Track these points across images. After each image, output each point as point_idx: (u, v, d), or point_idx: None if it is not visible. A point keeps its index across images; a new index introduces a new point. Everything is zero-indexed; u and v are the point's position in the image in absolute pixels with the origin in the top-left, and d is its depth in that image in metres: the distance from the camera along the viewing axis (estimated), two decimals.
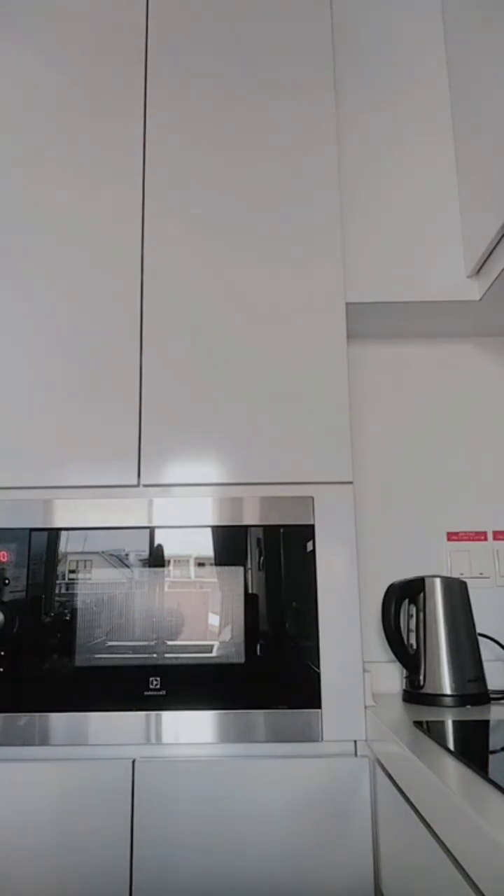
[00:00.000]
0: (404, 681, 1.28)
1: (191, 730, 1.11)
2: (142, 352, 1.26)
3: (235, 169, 1.35)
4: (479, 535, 1.48)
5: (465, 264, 1.38)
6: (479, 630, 1.40)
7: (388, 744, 1.00)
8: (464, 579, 1.31)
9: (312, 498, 1.20)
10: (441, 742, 0.92)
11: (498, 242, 1.25)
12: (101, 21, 1.41)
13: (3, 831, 1.07)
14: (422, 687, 1.23)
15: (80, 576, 1.17)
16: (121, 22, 1.41)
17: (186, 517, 1.19)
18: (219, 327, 1.27)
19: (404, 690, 1.28)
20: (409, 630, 1.30)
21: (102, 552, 1.18)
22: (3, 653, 1.14)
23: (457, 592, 1.28)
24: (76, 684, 1.13)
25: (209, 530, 1.19)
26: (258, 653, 1.14)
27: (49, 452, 1.22)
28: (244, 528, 1.19)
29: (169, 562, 1.18)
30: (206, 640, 1.15)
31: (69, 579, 1.17)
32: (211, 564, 1.18)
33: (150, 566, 1.18)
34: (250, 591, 1.17)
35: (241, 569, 1.17)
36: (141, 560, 1.18)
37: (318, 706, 1.12)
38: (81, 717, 1.12)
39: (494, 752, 0.90)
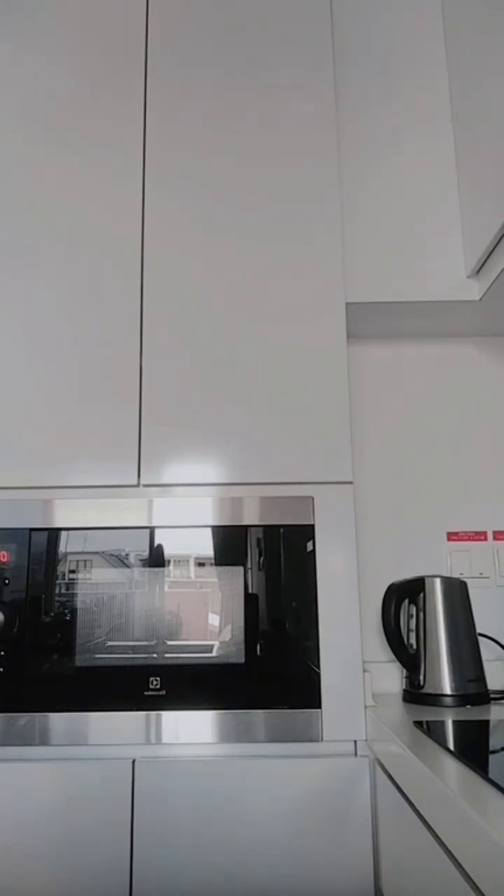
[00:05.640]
0: (404, 681, 1.28)
1: (191, 730, 1.11)
2: (142, 352, 1.26)
3: (235, 169, 1.35)
4: (479, 535, 1.48)
5: (465, 264, 1.38)
6: (479, 630, 1.40)
7: (388, 744, 1.00)
8: (464, 579, 1.31)
9: (312, 498, 1.20)
10: (441, 742, 0.92)
11: (498, 242, 1.25)
12: (101, 21, 1.41)
13: (3, 831, 1.07)
14: (422, 687, 1.23)
15: (80, 576, 1.17)
16: (121, 22, 1.41)
17: (186, 517, 1.19)
18: (219, 327, 1.28)
19: (404, 690, 1.28)
20: (409, 630, 1.30)
21: (102, 552, 1.18)
22: (3, 653, 1.14)
23: (457, 592, 1.28)
24: (76, 684, 1.13)
25: (209, 530, 1.19)
26: (258, 653, 1.14)
27: (49, 452, 1.22)
28: (244, 528, 1.19)
29: (169, 562, 1.18)
30: (206, 640, 1.15)
31: (69, 579, 1.17)
32: (211, 564, 1.18)
33: (150, 566, 1.18)
34: (250, 591, 1.17)
35: (241, 569, 1.17)
36: (141, 560, 1.18)
37: (318, 706, 1.12)
38: (81, 717, 1.12)
39: (494, 752, 0.90)
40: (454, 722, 1.06)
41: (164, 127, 1.36)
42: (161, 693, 1.12)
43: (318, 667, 1.14)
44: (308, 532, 1.19)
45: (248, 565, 1.18)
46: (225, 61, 1.39)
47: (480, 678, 1.23)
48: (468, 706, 1.19)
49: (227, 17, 1.41)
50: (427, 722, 1.05)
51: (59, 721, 1.11)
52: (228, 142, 1.36)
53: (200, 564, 1.18)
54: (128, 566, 1.17)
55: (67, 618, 1.15)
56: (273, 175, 1.35)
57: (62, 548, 1.18)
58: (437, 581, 1.28)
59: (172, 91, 1.38)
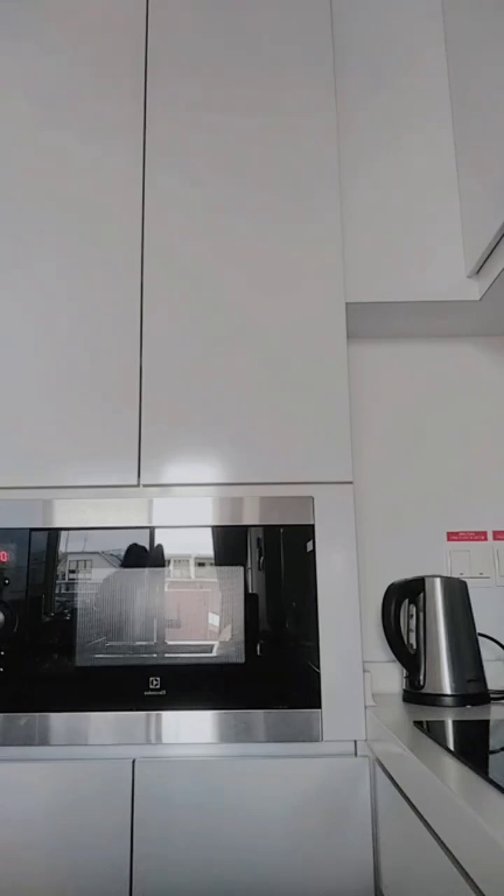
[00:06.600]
0: (404, 681, 1.28)
1: (191, 730, 1.11)
2: (142, 352, 1.26)
3: (235, 169, 1.34)
4: (479, 535, 1.48)
5: (465, 264, 1.38)
6: (479, 630, 1.40)
7: (388, 744, 1.00)
8: (464, 579, 1.31)
9: (312, 498, 1.20)
10: (441, 742, 0.92)
11: (498, 242, 1.25)
12: (102, 4, 1.41)
13: (3, 831, 1.07)
14: (422, 687, 1.23)
15: (80, 576, 1.17)
16: (122, 5, 1.41)
17: (186, 517, 1.19)
18: (218, 328, 1.27)
19: (404, 690, 1.28)
20: (409, 630, 1.30)
21: (102, 552, 1.18)
22: (2, 653, 1.14)
23: (457, 592, 1.28)
24: (76, 684, 1.13)
25: (209, 530, 1.19)
26: (258, 653, 1.14)
27: (49, 452, 1.22)
28: (244, 528, 1.19)
29: (169, 562, 1.18)
30: (206, 640, 1.15)
31: (69, 579, 1.17)
32: (211, 564, 1.18)
33: (150, 566, 1.17)
34: (250, 591, 1.17)
35: (241, 569, 1.17)
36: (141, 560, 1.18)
37: (318, 706, 1.12)
38: (81, 717, 1.12)
39: (494, 752, 0.90)
40: (454, 722, 1.06)
41: (163, 115, 1.36)
42: (161, 693, 1.12)
43: (318, 667, 1.14)
44: (308, 532, 1.19)
45: (248, 565, 1.18)
46: (225, 48, 1.39)
47: (480, 678, 1.23)
48: (468, 706, 1.19)
49: (228, 3, 1.41)
50: (427, 722, 1.05)
51: (59, 721, 1.11)
52: (227, 143, 1.36)
53: (200, 564, 1.18)
54: (128, 566, 1.17)
55: (67, 618, 1.15)
56: (273, 177, 1.34)
57: (62, 548, 1.18)
58: (437, 581, 1.28)
59: (172, 76, 1.37)
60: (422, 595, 1.29)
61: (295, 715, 1.12)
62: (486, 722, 1.06)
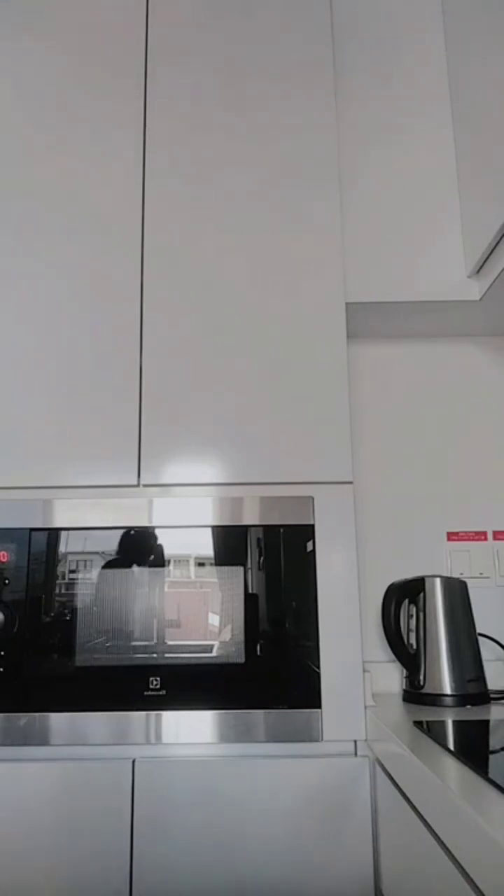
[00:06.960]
0: (404, 681, 1.28)
1: (191, 729, 1.11)
2: (142, 352, 1.26)
3: (233, 170, 1.34)
4: (479, 535, 1.48)
5: (465, 264, 1.38)
6: (479, 630, 1.40)
7: (388, 744, 1.00)
8: (464, 579, 1.31)
9: (312, 498, 1.20)
10: (441, 742, 0.92)
11: (498, 242, 1.25)
12: (102, 1, 1.41)
13: (3, 831, 1.07)
14: (422, 687, 1.23)
15: (80, 576, 1.17)
16: (122, 1, 1.41)
17: (186, 517, 1.19)
18: (219, 328, 1.27)
19: (404, 690, 1.28)
20: (409, 630, 1.30)
21: (102, 552, 1.18)
22: (3, 653, 1.14)
23: (457, 592, 1.28)
24: (76, 684, 1.13)
25: (209, 530, 1.19)
26: (258, 653, 1.14)
27: (49, 452, 1.22)
28: (244, 528, 1.19)
29: (169, 562, 1.18)
30: (206, 640, 1.15)
31: (69, 579, 1.17)
32: (211, 564, 1.18)
33: (150, 566, 1.17)
34: (250, 591, 1.17)
35: (241, 569, 1.17)
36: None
37: (318, 706, 1.12)
38: (81, 716, 1.12)
39: (494, 752, 0.90)
40: (454, 722, 1.06)
41: (162, 121, 1.36)
42: (161, 693, 1.12)
43: (318, 667, 1.14)
44: (308, 532, 1.19)
45: (248, 565, 1.18)
46: (224, 57, 1.39)
47: (480, 678, 1.23)
48: (468, 706, 1.19)
49: (226, 2, 1.41)
50: (427, 722, 1.05)
51: (59, 721, 1.11)
52: (228, 145, 1.36)
53: (200, 564, 1.18)
54: (128, 566, 1.17)
55: (67, 618, 1.15)
56: (272, 176, 1.34)
57: (62, 548, 1.18)
58: (437, 581, 1.28)
59: (172, 73, 1.38)
60: (422, 595, 1.29)
61: (295, 715, 1.12)
62: (486, 722, 1.06)
